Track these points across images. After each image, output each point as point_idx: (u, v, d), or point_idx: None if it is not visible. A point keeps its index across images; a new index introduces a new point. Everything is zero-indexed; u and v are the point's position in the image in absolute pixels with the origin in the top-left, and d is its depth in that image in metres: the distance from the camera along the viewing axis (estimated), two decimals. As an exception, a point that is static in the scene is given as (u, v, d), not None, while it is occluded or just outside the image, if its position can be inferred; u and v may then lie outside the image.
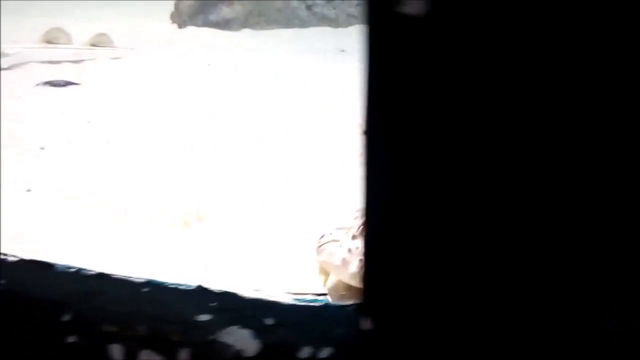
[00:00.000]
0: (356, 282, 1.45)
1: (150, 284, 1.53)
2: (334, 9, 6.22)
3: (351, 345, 1.37)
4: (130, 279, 1.56)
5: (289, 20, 6.12)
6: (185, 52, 4.73)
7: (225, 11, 6.18)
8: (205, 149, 2.67)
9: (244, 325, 1.40)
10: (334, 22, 6.13)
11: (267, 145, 2.71)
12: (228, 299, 1.45)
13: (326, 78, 3.75)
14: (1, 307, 1.48)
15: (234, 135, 2.81)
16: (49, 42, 3.94)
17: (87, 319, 1.47)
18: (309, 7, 6.20)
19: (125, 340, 1.44)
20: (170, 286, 1.53)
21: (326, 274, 1.56)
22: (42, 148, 2.72)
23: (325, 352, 1.37)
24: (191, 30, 6.04)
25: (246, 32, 5.94)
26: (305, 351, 1.36)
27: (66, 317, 1.46)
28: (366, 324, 1.24)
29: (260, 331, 1.39)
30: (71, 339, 1.45)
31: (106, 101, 3.29)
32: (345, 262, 1.45)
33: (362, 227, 1.36)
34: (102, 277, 1.64)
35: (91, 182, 2.37)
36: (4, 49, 3.70)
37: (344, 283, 1.51)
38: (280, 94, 3.45)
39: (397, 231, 1.14)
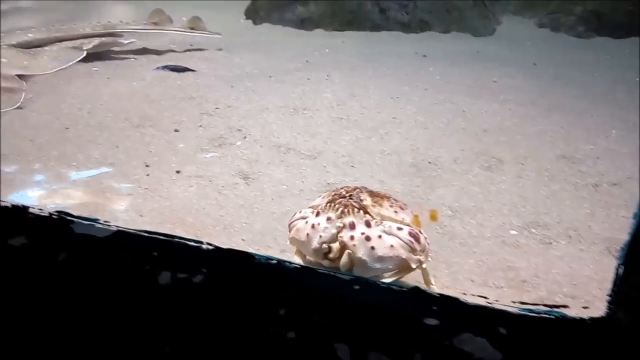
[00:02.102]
0: (316, 258, 1.47)
1: (359, 281, 1.42)
2: (407, 14, 6.07)
3: (603, 363, 1.24)
4: (337, 274, 1.45)
5: (361, 23, 5.99)
6: (268, 46, 4.63)
7: (300, 10, 6.07)
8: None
9: (477, 333, 1.29)
10: (406, 27, 5.98)
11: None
12: (450, 303, 1.33)
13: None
14: (206, 297, 1.39)
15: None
16: (155, 23, 3.86)
17: (304, 315, 1.37)
18: (382, 11, 6.06)
19: (351, 340, 1.33)
20: (383, 285, 1.42)
21: (298, 249, 1.56)
22: (177, 130, 2.62)
23: (579, 369, 1.24)
24: (267, 26, 5.95)
25: (319, 32, 5.84)
26: (556, 367, 1.25)
27: (282, 311, 1.36)
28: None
29: (497, 341, 1.28)
30: (291, 335, 1.35)
31: (225, 88, 3.19)
32: (309, 238, 1.46)
33: (326, 204, 1.48)
34: (305, 271, 1.53)
35: (228, 165, 2.28)
36: (124, 40, 3.66)
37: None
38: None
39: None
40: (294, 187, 2.17)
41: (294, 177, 2.26)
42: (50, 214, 1.60)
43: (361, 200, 1.49)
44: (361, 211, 1.46)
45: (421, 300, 1.33)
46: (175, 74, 3.32)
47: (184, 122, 2.73)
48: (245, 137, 2.62)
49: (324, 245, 1.45)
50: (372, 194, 1.53)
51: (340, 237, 1.44)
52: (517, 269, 1.69)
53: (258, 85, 3.30)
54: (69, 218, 1.59)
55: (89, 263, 1.46)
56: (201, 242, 1.50)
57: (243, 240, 1.82)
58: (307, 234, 1.48)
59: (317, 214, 1.49)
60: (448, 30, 6.15)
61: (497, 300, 1.39)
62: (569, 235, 1.87)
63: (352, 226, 1.43)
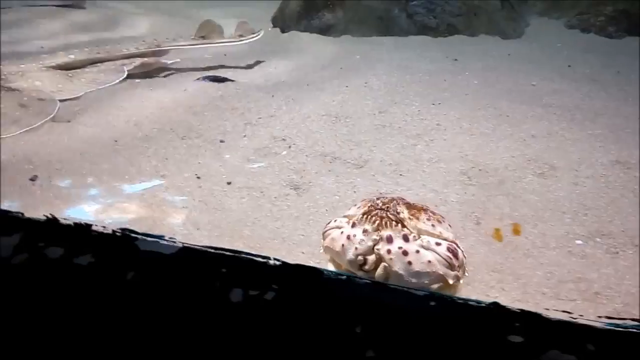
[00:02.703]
0: (351, 268, 1.45)
1: (434, 297, 1.37)
2: (435, 18, 6.00)
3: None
4: (411, 290, 1.41)
5: (389, 28, 5.95)
6: (299, 54, 4.62)
7: (327, 17, 6.05)
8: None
9: (565, 350, 1.24)
10: (433, 31, 5.92)
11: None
12: (532, 319, 1.28)
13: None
14: (279, 315, 1.36)
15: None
16: (203, 37, 3.78)
17: (382, 332, 1.33)
18: (409, 16, 6.00)
19: (433, 359, 1.29)
20: (459, 301, 1.37)
21: (331, 257, 1.55)
22: (222, 141, 2.60)
23: (677, 389, 1.19)
24: (294, 34, 5.94)
25: (346, 38, 5.81)
26: (653, 386, 1.19)
27: (359, 329, 1.32)
28: None
29: (587, 358, 1.22)
30: (370, 353, 1.31)
31: (266, 98, 3.16)
32: (344, 249, 1.45)
33: (362, 216, 1.46)
34: (378, 286, 1.49)
35: (277, 175, 2.25)
36: (167, 59, 3.57)
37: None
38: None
39: None
40: (346, 197, 2.13)
41: (345, 187, 2.22)
42: (114, 231, 1.59)
43: (398, 213, 1.46)
44: (399, 224, 1.44)
45: (502, 316, 1.29)
46: (216, 84, 3.30)
47: (229, 132, 2.71)
48: (290, 147, 2.59)
49: (360, 257, 1.43)
50: (409, 206, 1.50)
51: (377, 249, 1.42)
52: (588, 280, 1.63)
53: (297, 94, 3.27)
54: (133, 235, 1.57)
55: (158, 281, 1.44)
56: (268, 258, 1.47)
57: (303, 253, 1.78)
58: (343, 245, 1.46)
59: (353, 225, 1.47)
60: (476, 33, 6.07)
61: (581, 315, 1.34)
62: (635, 244, 1.80)
63: (390, 240, 1.41)
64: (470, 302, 1.33)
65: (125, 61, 3.30)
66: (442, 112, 2.97)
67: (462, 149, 2.55)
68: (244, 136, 2.68)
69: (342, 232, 1.48)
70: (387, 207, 1.48)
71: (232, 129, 2.74)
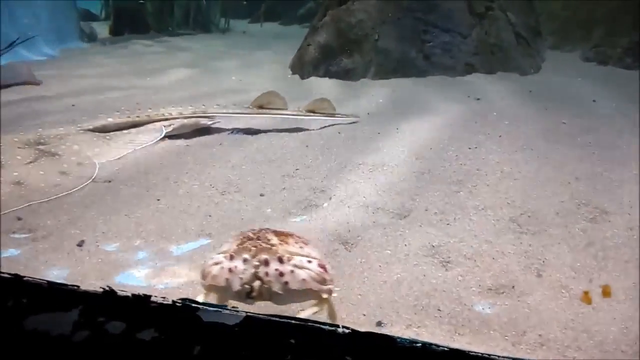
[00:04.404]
0: (240, 299, 1.50)
1: (517, 364, 1.29)
2: (452, 58, 6.05)
3: None
4: (492, 356, 1.33)
5: (406, 70, 5.99)
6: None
7: (346, 62, 6.12)
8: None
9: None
10: (451, 71, 5.96)
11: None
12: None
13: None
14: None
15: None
16: (261, 107, 3.57)
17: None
18: (426, 57, 6.06)
19: None
20: (545, 369, 1.29)
21: (214, 294, 1.57)
22: (262, 195, 2.58)
23: None
24: (314, 80, 6.00)
25: (365, 82, 5.85)
26: None
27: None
28: None
29: None
30: None
31: (300, 148, 3.15)
32: (229, 282, 1.49)
33: (238, 247, 1.50)
34: (456, 354, 1.41)
35: (322, 229, 2.19)
36: (207, 121, 3.43)
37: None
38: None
39: None
40: (397, 251, 2.07)
41: (395, 240, 2.16)
42: (174, 301, 1.53)
43: (269, 240, 1.54)
44: (272, 248, 1.51)
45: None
46: (250, 136, 3.30)
47: (268, 185, 2.68)
48: (330, 198, 2.56)
49: (246, 286, 1.48)
50: (277, 233, 1.59)
51: (257, 273, 1.48)
52: (667, 336, 1.54)
53: (330, 142, 3.26)
54: (194, 305, 1.52)
55: (226, 355, 1.38)
56: (337, 326, 1.40)
57: (364, 315, 1.72)
58: (227, 279, 1.50)
59: (232, 258, 1.52)
60: (493, 71, 6.09)
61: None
62: None
63: (267, 263, 1.48)
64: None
65: (165, 123, 3.28)
66: (480, 156, 2.93)
67: (507, 194, 2.49)
68: (283, 189, 2.64)
69: (222, 267, 1.52)
70: (258, 236, 1.56)
71: (270, 182, 2.71)
